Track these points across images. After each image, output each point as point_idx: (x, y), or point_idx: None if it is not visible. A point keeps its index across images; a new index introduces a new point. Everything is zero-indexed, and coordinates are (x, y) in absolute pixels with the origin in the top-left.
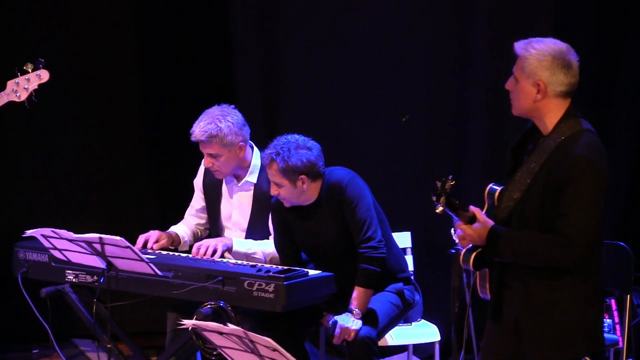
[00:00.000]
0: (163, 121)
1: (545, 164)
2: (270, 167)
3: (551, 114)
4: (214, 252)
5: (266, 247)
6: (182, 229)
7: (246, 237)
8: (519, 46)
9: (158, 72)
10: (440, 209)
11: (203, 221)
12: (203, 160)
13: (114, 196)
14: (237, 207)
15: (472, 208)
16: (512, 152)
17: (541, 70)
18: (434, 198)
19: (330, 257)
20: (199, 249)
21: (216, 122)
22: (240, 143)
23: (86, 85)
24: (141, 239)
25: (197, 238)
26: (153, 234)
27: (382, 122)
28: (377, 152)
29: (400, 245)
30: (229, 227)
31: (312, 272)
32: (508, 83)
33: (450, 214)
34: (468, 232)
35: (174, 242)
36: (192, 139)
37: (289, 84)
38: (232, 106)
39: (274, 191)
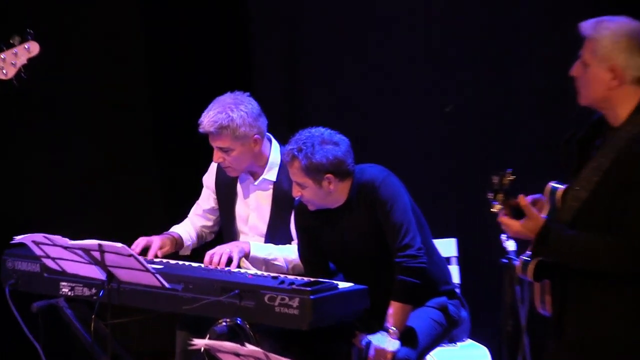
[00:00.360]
0: (171, 115)
1: (617, 161)
2: (292, 165)
3: (625, 103)
4: (230, 260)
5: (289, 252)
6: (186, 230)
7: (265, 242)
8: (587, 27)
9: (166, 56)
10: (497, 207)
11: (210, 223)
12: (213, 164)
13: (116, 197)
14: (254, 208)
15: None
16: (578, 146)
17: (617, 53)
18: (490, 195)
19: (362, 268)
20: (211, 257)
21: (227, 111)
22: (255, 136)
23: (91, 76)
24: (141, 241)
25: (202, 241)
26: (155, 240)
27: (421, 115)
28: (415, 149)
29: (444, 254)
30: (245, 232)
31: (342, 285)
32: (574, 69)
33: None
34: (516, 227)
35: (177, 246)
36: (201, 130)
37: (314, 68)
38: (247, 94)
39: (296, 192)
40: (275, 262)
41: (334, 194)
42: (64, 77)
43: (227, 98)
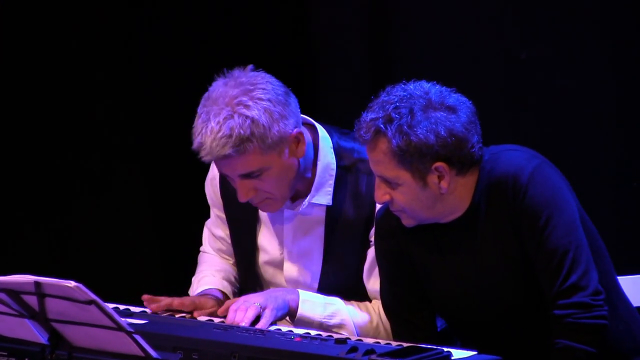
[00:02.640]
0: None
1: None
2: (374, 147)
3: None
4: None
5: (361, 314)
6: (219, 280)
7: None
8: None
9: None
10: None
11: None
12: (214, 168)
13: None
14: (293, 249)
15: None
16: None
17: None
18: None
19: (493, 324)
20: (236, 310)
21: (240, 111)
22: (294, 131)
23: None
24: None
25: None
26: (203, 301)
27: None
28: (580, 139)
29: (636, 300)
30: (279, 285)
31: (458, 354)
32: None
33: None
34: None
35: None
36: (205, 157)
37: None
38: (250, 67)
39: (382, 196)
40: (342, 332)
41: (447, 197)
42: None
43: (226, 90)
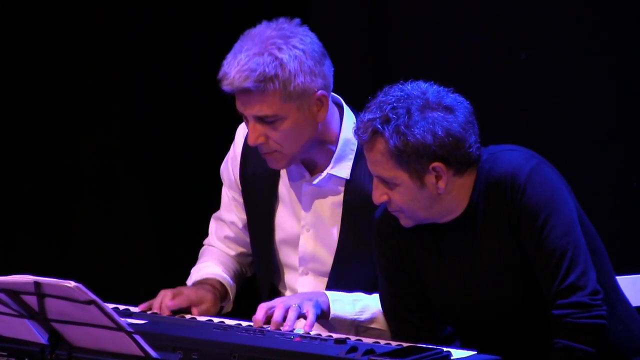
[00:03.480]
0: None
1: None
2: (372, 147)
3: None
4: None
5: None
6: (221, 270)
7: (329, 286)
8: None
9: None
10: None
11: (249, 249)
12: (239, 134)
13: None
14: (310, 224)
15: None
16: None
17: None
18: None
19: (491, 324)
20: (267, 311)
21: (271, 51)
22: (319, 92)
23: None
24: (165, 295)
25: (240, 282)
26: (186, 293)
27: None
28: (580, 140)
29: (635, 301)
30: (291, 265)
31: (457, 354)
32: None
33: None
34: None
35: (222, 299)
36: (225, 86)
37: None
38: (297, 21)
39: (379, 196)
40: (373, 326)
41: (445, 197)
42: None
43: (266, 30)
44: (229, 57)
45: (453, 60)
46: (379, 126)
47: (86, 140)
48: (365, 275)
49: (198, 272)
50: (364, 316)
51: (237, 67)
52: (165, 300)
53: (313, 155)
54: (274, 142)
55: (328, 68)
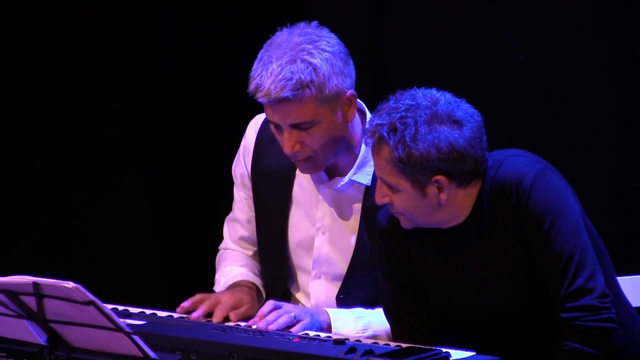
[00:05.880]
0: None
1: None
2: (377, 152)
3: None
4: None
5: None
6: (246, 272)
7: (341, 293)
8: None
9: None
10: None
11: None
12: (251, 129)
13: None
14: (326, 228)
15: None
16: None
17: None
18: None
19: (495, 327)
20: (274, 309)
21: (303, 57)
22: (349, 92)
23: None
24: (201, 301)
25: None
26: (224, 298)
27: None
28: (579, 141)
29: (635, 302)
30: (304, 268)
31: (458, 355)
32: None
33: None
34: None
35: (256, 298)
36: (262, 98)
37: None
38: (316, 23)
39: (382, 197)
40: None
41: (447, 208)
42: None
43: (291, 37)
44: (259, 68)
45: (453, 61)
46: (385, 134)
47: (86, 140)
48: (377, 283)
49: (225, 277)
50: (367, 333)
51: (272, 77)
52: (228, 313)
53: (338, 159)
54: (309, 148)
55: (352, 66)
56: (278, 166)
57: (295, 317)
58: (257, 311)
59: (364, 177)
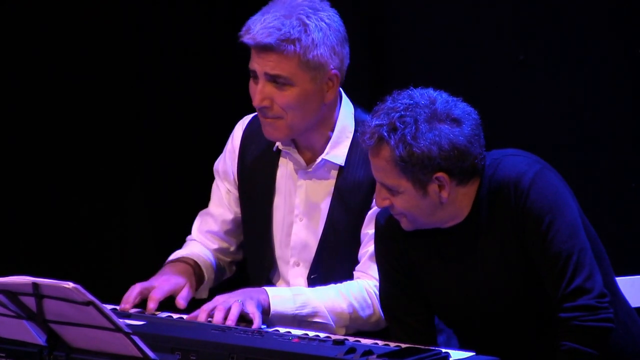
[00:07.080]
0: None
1: None
2: (377, 153)
3: None
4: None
5: (337, 299)
6: (200, 255)
7: (312, 273)
8: None
9: None
10: None
11: (232, 246)
12: (238, 128)
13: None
14: (304, 214)
15: None
16: None
17: None
18: None
19: (493, 326)
20: (209, 312)
21: (299, 16)
22: (334, 71)
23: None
24: (136, 289)
25: (220, 278)
26: (161, 284)
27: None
28: (579, 140)
29: (634, 302)
30: (285, 259)
31: (457, 356)
32: None
33: None
34: None
35: (197, 281)
36: (247, 38)
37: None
38: (327, 2)
39: (382, 201)
40: (316, 320)
41: (448, 206)
42: None
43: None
44: (256, 15)
45: (452, 61)
46: (386, 134)
47: (86, 140)
48: (349, 263)
49: (178, 254)
50: (305, 311)
51: (263, 23)
52: (164, 296)
53: (311, 140)
54: (278, 107)
55: (346, 54)
56: (263, 161)
57: (242, 303)
58: (196, 287)
59: (338, 157)
